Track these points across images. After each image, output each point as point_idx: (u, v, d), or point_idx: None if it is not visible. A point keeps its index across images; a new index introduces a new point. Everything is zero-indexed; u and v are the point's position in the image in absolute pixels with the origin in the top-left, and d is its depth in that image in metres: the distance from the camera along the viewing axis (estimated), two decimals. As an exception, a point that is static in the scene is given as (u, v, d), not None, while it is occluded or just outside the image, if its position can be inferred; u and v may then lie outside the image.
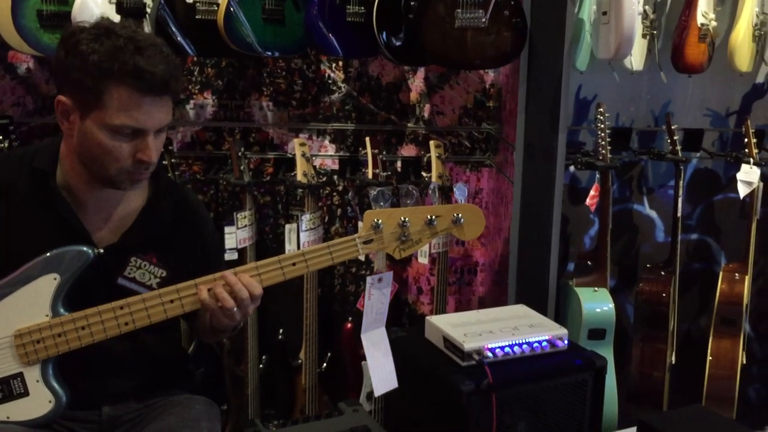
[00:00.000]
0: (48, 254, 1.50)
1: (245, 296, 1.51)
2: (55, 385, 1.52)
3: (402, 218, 1.60)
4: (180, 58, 2.69)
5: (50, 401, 1.51)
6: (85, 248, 1.52)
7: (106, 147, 1.47)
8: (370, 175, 2.62)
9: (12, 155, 1.93)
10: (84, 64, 1.43)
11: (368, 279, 1.67)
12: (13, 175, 1.57)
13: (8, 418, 1.50)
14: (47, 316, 1.50)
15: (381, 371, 1.74)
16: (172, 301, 1.52)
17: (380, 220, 1.59)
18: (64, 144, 1.57)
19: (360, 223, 2.72)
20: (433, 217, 1.61)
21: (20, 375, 1.50)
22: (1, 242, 1.54)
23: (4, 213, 1.55)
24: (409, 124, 2.96)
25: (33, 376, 1.51)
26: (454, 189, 2.58)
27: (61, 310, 1.51)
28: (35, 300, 1.50)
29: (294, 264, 1.56)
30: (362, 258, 2.76)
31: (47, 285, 1.50)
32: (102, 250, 1.55)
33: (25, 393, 1.50)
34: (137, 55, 1.43)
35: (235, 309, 1.51)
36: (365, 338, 1.73)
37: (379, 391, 1.73)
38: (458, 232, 1.63)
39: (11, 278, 1.50)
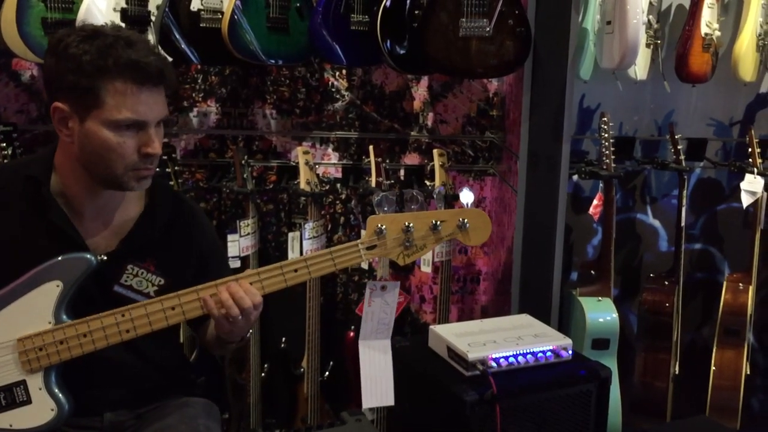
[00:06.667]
0: (51, 261, 1.49)
1: (248, 305, 1.49)
2: (58, 393, 1.51)
3: (406, 223, 1.56)
4: (184, 66, 2.72)
5: (52, 409, 1.50)
6: (87, 255, 1.51)
7: (110, 145, 1.47)
8: (373, 184, 2.61)
9: (5, 166, 1.95)
10: (77, 65, 1.43)
11: (368, 284, 1.64)
12: (6, 185, 1.57)
13: (11, 426, 1.50)
14: (50, 323, 1.50)
15: (376, 383, 1.70)
16: (173, 308, 1.51)
17: (384, 226, 1.55)
18: (59, 152, 1.56)
19: (363, 231, 2.73)
20: (438, 222, 1.57)
21: (23, 383, 1.50)
22: None
23: None
24: (412, 133, 2.96)
25: (36, 383, 1.50)
26: (460, 193, 2.54)
27: (64, 317, 1.50)
28: (38, 307, 1.49)
29: (296, 270, 1.54)
30: (365, 266, 2.75)
31: (50, 292, 1.49)
32: (105, 257, 1.55)
33: (28, 401, 1.50)
34: (129, 49, 1.45)
35: (240, 317, 1.50)
36: (363, 345, 1.69)
37: (367, 403, 1.70)
38: (464, 238, 1.59)
39: (15, 285, 1.50)
